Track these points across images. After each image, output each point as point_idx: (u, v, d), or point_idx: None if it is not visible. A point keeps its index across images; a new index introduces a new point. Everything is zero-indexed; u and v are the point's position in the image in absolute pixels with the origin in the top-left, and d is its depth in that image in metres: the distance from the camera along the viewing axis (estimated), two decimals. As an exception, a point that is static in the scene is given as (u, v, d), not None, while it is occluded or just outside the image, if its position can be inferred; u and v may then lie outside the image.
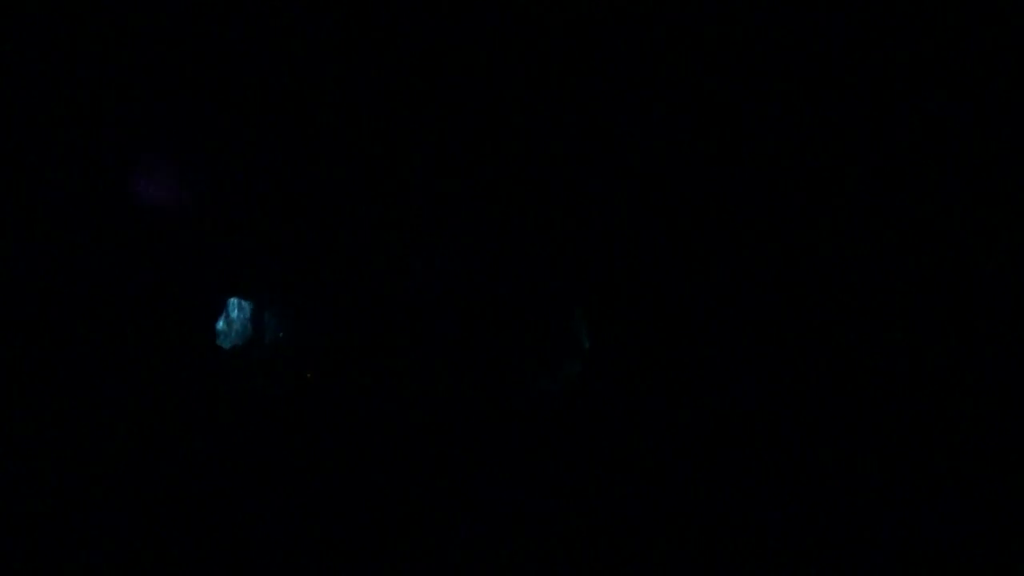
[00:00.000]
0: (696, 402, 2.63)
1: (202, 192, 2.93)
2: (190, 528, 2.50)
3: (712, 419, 2.61)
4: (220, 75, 2.77)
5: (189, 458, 2.71)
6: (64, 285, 2.80)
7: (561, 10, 2.64)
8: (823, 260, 2.60)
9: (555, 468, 2.65)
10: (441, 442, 2.72)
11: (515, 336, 2.84)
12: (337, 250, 2.97)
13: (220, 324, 3.01)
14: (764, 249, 2.64)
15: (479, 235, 2.88)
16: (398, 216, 2.91)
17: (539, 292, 2.84)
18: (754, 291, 2.63)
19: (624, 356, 2.70)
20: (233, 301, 2.99)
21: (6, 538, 2.36)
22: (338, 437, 2.76)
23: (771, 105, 2.63)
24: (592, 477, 2.63)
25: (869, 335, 2.56)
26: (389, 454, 2.72)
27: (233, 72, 2.76)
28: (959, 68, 2.44)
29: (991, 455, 2.44)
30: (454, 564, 2.46)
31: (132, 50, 2.67)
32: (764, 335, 2.61)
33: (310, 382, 2.97)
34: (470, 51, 2.71)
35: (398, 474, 2.70)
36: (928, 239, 2.55)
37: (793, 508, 2.48)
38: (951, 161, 2.51)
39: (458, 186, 2.87)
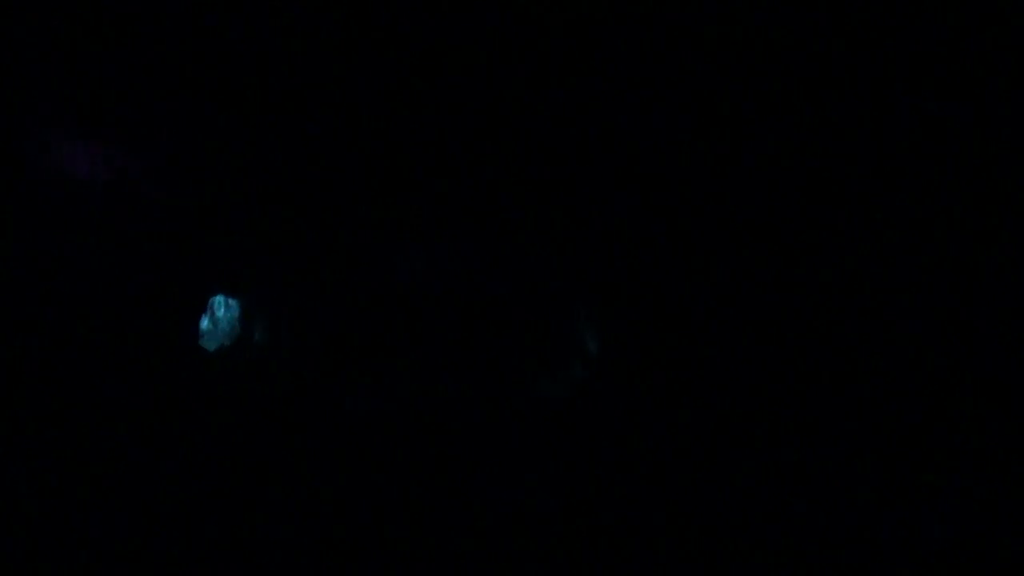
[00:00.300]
0: (708, 407, 2.62)
1: (186, 183, 2.88)
2: (171, 542, 2.46)
3: (726, 427, 2.60)
4: (208, 68, 2.74)
5: (172, 469, 2.64)
6: (28, 280, 2.72)
7: (561, 10, 2.63)
8: (839, 261, 2.61)
9: (557, 472, 2.64)
10: (439, 446, 2.70)
11: (516, 337, 2.83)
12: (333, 245, 2.94)
13: (205, 323, 2.88)
14: (776, 248, 2.64)
15: (480, 233, 2.86)
16: (397, 212, 2.89)
17: (542, 292, 2.82)
18: (768, 292, 2.63)
19: (630, 358, 2.70)
20: (219, 299, 2.88)
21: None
22: (332, 443, 2.73)
23: (774, 105, 2.64)
24: (596, 482, 2.62)
25: (880, 337, 2.56)
26: (386, 460, 2.70)
27: (222, 64, 2.73)
28: (959, 68, 2.45)
29: (991, 455, 2.45)
30: (453, 566, 2.44)
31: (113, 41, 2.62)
32: (783, 337, 2.61)
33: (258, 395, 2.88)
34: (470, 51, 2.69)
35: (394, 480, 2.68)
36: (929, 239, 2.56)
37: (804, 513, 2.48)
38: (951, 161, 2.52)
39: (457, 184, 2.86)
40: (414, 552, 2.44)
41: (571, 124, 2.77)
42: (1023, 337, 2.46)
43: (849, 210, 2.62)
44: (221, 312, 3.09)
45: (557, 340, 2.77)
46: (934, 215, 2.55)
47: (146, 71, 2.70)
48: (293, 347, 2.94)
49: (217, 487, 2.60)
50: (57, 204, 2.76)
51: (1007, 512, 2.38)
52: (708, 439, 2.60)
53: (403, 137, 2.81)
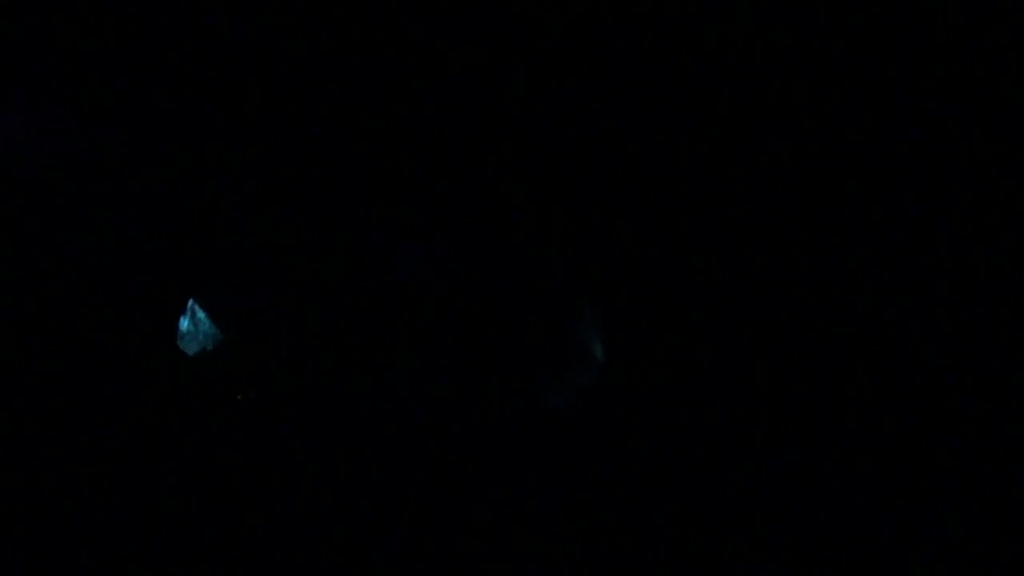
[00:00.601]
0: (710, 407, 2.62)
1: (182, 182, 2.87)
2: (166, 543, 2.44)
3: (728, 426, 2.60)
4: (207, 67, 2.74)
5: (145, 488, 2.59)
6: (15, 277, 2.69)
7: (561, 10, 2.64)
8: (839, 261, 2.61)
9: (558, 472, 2.64)
10: (439, 446, 2.70)
11: (518, 338, 2.82)
12: (332, 245, 2.93)
13: (185, 324, 2.79)
14: (777, 248, 2.65)
15: (480, 233, 2.86)
16: (397, 211, 2.89)
17: (543, 292, 2.82)
18: (769, 292, 2.63)
19: (631, 358, 2.70)
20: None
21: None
22: (330, 443, 2.72)
23: (774, 105, 2.64)
24: (597, 483, 2.62)
25: (880, 337, 2.57)
26: (385, 460, 2.69)
27: (221, 63, 2.73)
28: (959, 68, 2.46)
29: (991, 455, 2.46)
30: (453, 566, 2.44)
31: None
32: (785, 338, 2.61)
33: (242, 402, 2.80)
34: (470, 51, 2.70)
35: (394, 480, 2.68)
36: (929, 239, 2.57)
37: (804, 513, 2.48)
38: (951, 161, 2.53)
39: (457, 184, 2.86)
40: (414, 552, 2.43)
41: (571, 124, 2.78)
42: (1023, 337, 2.47)
43: (849, 210, 2.62)
44: (203, 314, 3.00)
45: (559, 341, 2.77)
46: (934, 215, 2.56)
47: (143, 68, 2.70)
48: (292, 347, 2.93)
49: (212, 489, 2.59)
50: (46, 201, 2.75)
51: (1007, 512, 2.38)
52: (709, 439, 2.60)
53: (403, 137, 2.81)
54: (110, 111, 2.74)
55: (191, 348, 2.88)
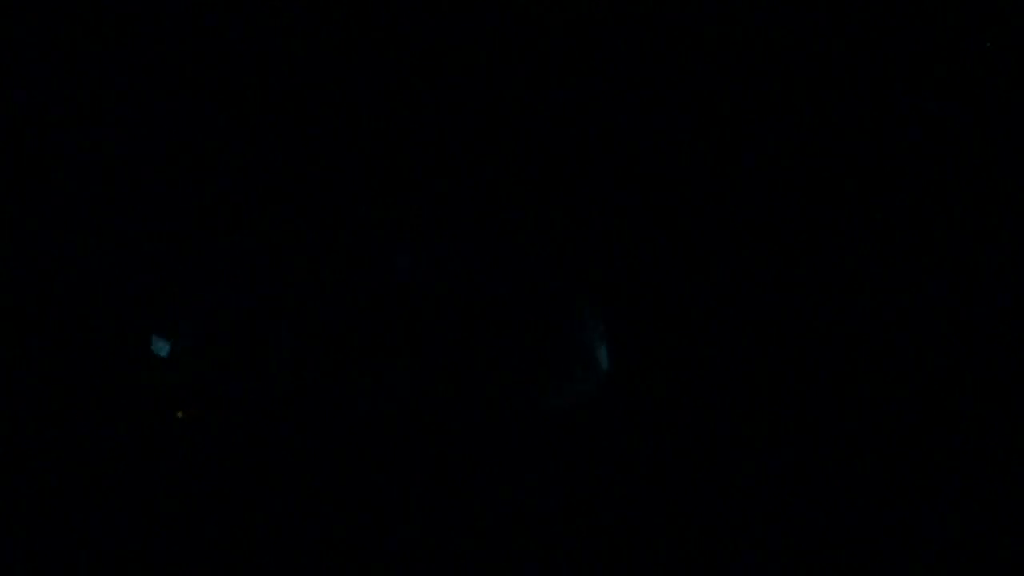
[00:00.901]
0: (711, 408, 2.62)
1: (183, 182, 2.87)
2: (165, 543, 2.45)
3: (729, 427, 2.60)
4: (208, 67, 2.74)
5: (143, 489, 2.58)
6: (18, 276, 2.68)
7: (561, 10, 2.64)
8: (840, 261, 2.61)
9: (558, 472, 2.64)
10: (439, 446, 2.70)
11: (518, 338, 2.82)
12: (333, 245, 2.94)
13: None
14: (778, 249, 2.64)
15: (480, 233, 2.86)
16: (397, 212, 2.89)
17: (543, 293, 2.82)
18: (771, 293, 2.63)
19: (632, 359, 2.69)
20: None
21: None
22: (330, 443, 2.72)
23: (774, 105, 2.64)
24: (597, 483, 2.62)
25: (880, 337, 2.57)
26: (385, 460, 2.69)
27: (221, 63, 2.73)
28: (959, 68, 2.46)
29: (991, 455, 2.46)
30: (453, 566, 2.44)
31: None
32: (787, 339, 2.60)
33: (184, 418, 2.74)
34: (470, 51, 2.70)
35: (394, 480, 2.68)
36: (929, 239, 2.57)
37: (804, 514, 2.48)
38: (951, 161, 2.53)
39: (457, 184, 2.86)
40: (414, 552, 2.43)
41: (571, 124, 2.78)
42: (1023, 337, 2.47)
43: (849, 210, 2.63)
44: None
45: (560, 342, 2.77)
46: (934, 215, 2.57)
47: (144, 68, 2.70)
48: (292, 347, 2.93)
49: (212, 489, 2.59)
50: (46, 200, 2.75)
51: (1007, 512, 2.38)
52: (709, 439, 2.60)
53: (403, 137, 2.81)
54: (110, 111, 2.75)
55: (163, 349, 2.86)
